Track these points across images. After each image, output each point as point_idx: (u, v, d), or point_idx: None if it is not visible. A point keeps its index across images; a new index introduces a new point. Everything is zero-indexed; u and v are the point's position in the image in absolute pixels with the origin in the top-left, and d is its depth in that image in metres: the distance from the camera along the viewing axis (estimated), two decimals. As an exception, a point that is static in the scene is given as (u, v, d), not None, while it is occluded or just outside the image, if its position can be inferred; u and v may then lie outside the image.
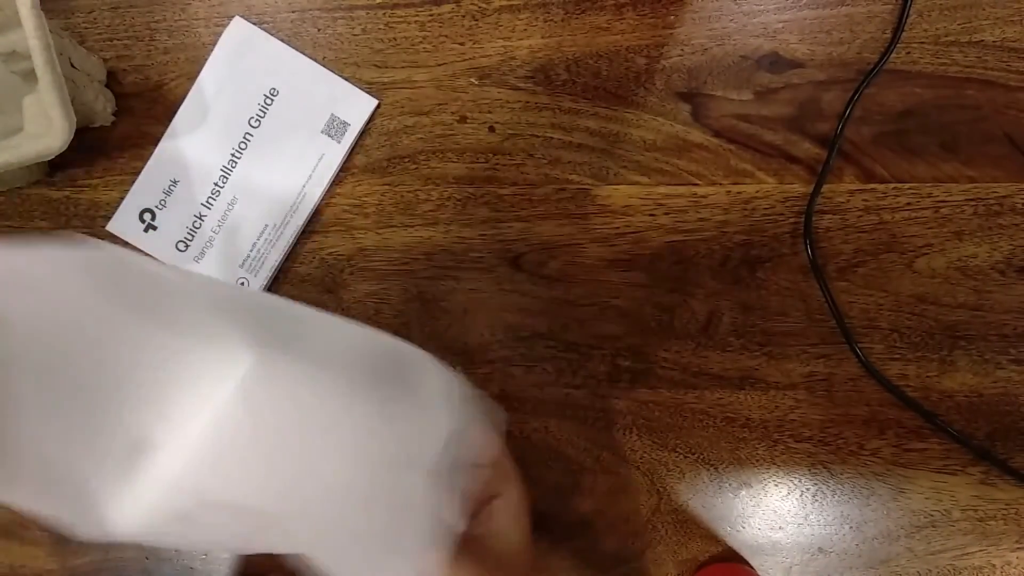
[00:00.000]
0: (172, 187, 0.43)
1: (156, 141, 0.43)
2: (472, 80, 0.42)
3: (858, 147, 0.41)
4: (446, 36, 0.42)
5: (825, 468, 0.42)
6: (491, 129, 0.42)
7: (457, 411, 0.26)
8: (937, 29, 0.40)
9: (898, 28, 0.40)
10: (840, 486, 0.42)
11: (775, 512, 0.42)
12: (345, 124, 0.42)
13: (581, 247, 0.42)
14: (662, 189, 0.42)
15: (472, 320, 0.43)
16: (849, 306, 0.41)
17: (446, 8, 0.42)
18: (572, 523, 0.43)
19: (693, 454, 0.42)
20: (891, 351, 0.41)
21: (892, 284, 0.41)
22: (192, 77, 0.42)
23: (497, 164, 0.42)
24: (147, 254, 0.43)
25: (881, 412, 0.41)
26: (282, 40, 0.42)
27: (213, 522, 0.22)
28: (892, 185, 0.41)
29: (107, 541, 0.22)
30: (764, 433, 0.42)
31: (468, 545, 0.26)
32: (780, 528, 0.42)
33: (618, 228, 0.42)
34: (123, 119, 0.43)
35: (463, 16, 0.42)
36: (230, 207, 0.43)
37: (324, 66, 0.42)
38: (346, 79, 0.42)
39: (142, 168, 0.43)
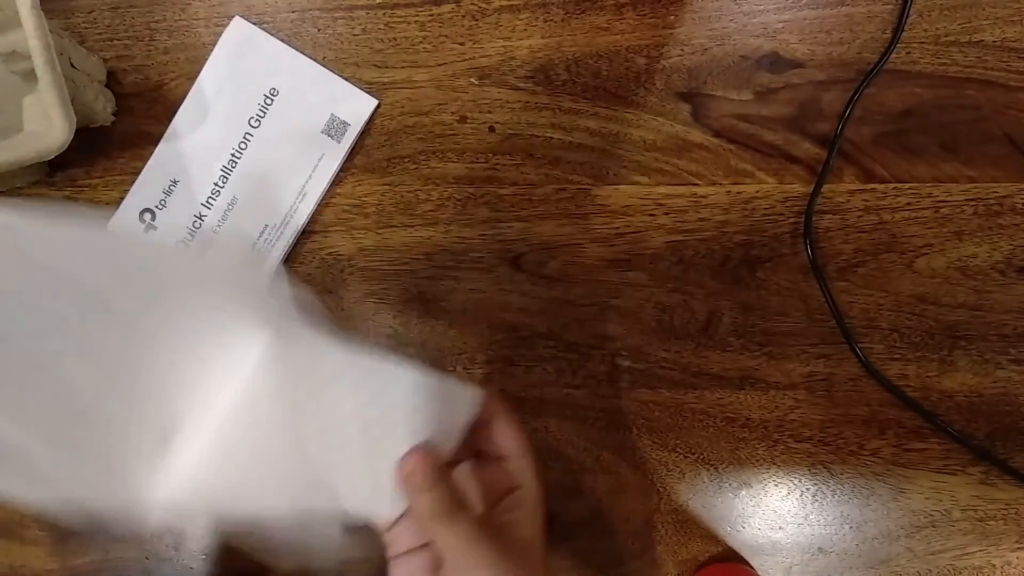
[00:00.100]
0: (172, 187, 0.43)
1: (156, 141, 0.43)
2: (472, 80, 0.42)
3: (858, 147, 0.41)
4: (446, 36, 0.42)
5: (825, 468, 0.42)
6: (491, 129, 0.42)
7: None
8: (937, 29, 0.40)
9: (898, 28, 0.40)
10: (840, 486, 0.42)
11: (775, 512, 0.42)
12: (345, 124, 0.42)
13: (581, 247, 0.42)
14: (662, 189, 0.42)
15: (472, 320, 0.43)
16: (849, 306, 0.41)
17: (446, 8, 0.42)
18: (572, 523, 0.43)
19: (693, 454, 0.42)
20: (891, 351, 0.41)
21: (892, 284, 0.41)
22: (192, 77, 0.42)
23: (497, 164, 0.42)
24: (147, 254, 0.43)
25: (881, 412, 0.41)
26: (282, 40, 0.42)
27: (239, 491, 0.24)
28: (892, 185, 0.41)
29: (140, 523, 0.23)
30: (764, 433, 0.42)
31: (487, 529, 0.28)
32: (780, 528, 0.42)
33: (618, 228, 0.42)
34: (123, 119, 0.43)
35: (463, 16, 0.42)
36: (230, 207, 0.43)
37: (324, 66, 0.42)
38: (346, 79, 0.42)
39: (142, 168, 0.43)
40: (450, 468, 0.30)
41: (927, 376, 0.41)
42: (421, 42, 0.42)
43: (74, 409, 0.22)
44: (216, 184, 0.43)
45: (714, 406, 0.42)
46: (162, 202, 0.43)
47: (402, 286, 0.43)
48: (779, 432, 0.42)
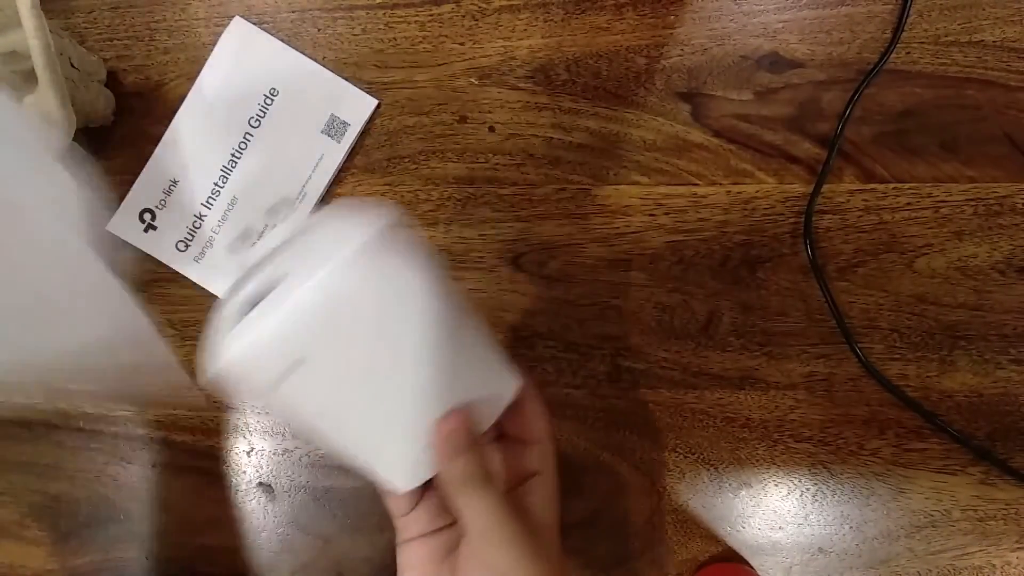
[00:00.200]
0: (172, 187, 0.43)
1: (156, 141, 0.43)
2: (472, 80, 0.42)
3: (858, 147, 0.41)
4: (446, 36, 0.42)
5: (825, 468, 0.42)
6: (491, 129, 0.42)
7: None
8: (937, 29, 0.40)
9: (898, 28, 0.40)
10: (840, 486, 0.42)
11: (775, 512, 0.42)
12: (345, 124, 0.42)
13: (581, 247, 0.42)
14: (662, 189, 0.42)
15: (472, 320, 0.43)
16: (849, 306, 0.41)
17: (446, 8, 0.42)
18: (572, 523, 0.43)
19: (693, 454, 0.42)
20: (891, 351, 0.41)
21: (892, 284, 0.41)
22: (192, 77, 0.42)
23: (497, 164, 0.42)
24: (147, 254, 0.43)
25: (881, 412, 0.41)
26: (282, 40, 0.42)
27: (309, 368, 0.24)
28: (892, 185, 0.41)
29: (219, 382, 0.24)
30: (764, 433, 0.42)
31: (514, 506, 0.27)
32: (780, 528, 0.42)
33: (618, 228, 0.42)
34: (123, 119, 0.43)
35: (463, 16, 0.42)
36: (230, 207, 0.43)
37: (324, 66, 0.42)
38: (346, 79, 0.42)
39: (142, 168, 0.43)
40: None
41: (927, 376, 0.41)
42: (421, 42, 0.42)
43: None
44: (216, 184, 0.43)
45: (714, 406, 0.42)
46: (162, 202, 0.43)
47: (402, 286, 0.43)
48: (779, 432, 0.42)
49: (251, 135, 0.42)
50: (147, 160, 0.43)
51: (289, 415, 0.26)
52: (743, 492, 0.42)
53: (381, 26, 0.42)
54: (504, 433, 0.31)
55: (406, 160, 0.43)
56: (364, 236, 0.24)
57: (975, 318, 0.41)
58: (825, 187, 0.41)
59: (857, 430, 0.41)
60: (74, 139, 0.38)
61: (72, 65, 0.40)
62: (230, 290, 0.26)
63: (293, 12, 0.42)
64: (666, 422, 0.42)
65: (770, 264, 0.41)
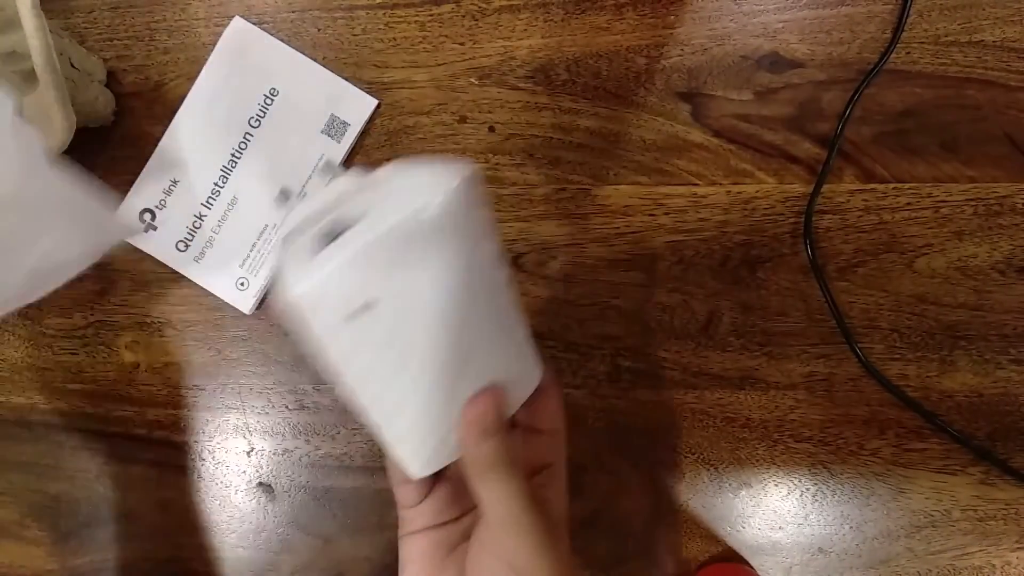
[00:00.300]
0: (172, 187, 0.43)
1: (156, 141, 0.43)
2: (472, 80, 0.42)
3: (858, 147, 0.41)
4: (446, 36, 0.42)
5: (825, 468, 0.42)
6: (491, 129, 0.42)
7: None
8: (937, 29, 0.40)
9: (898, 28, 0.40)
10: (840, 486, 0.42)
11: (775, 512, 0.42)
12: (345, 124, 0.42)
13: (581, 247, 0.42)
14: (662, 189, 0.42)
15: (472, 320, 0.42)
16: (849, 306, 0.41)
17: (446, 8, 0.42)
18: (572, 523, 0.43)
19: (693, 454, 0.42)
20: (891, 351, 0.41)
21: (892, 284, 0.41)
22: (192, 77, 0.42)
23: (497, 164, 0.42)
24: (147, 254, 0.43)
25: (881, 412, 0.41)
26: (282, 40, 0.42)
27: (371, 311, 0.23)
28: (892, 185, 0.41)
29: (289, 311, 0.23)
30: (764, 433, 0.42)
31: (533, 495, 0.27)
32: (780, 528, 0.42)
33: (618, 228, 0.42)
34: (123, 119, 0.43)
35: (463, 16, 0.42)
36: (230, 207, 0.43)
37: (324, 66, 0.42)
38: (346, 79, 0.42)
39: (142, 168, 0.43)
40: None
41: (927, 376, 0.41)
42: (421, 42, 0.42)
43: None
44: (216, 184, 0.43)
45: (714, 406, 0.42)
46: (162, 202, 0.43)
47: (402, 286, 0.43)
48: (779, 432, 0.42)
49: (251, 135, 0.42)
50: (147, 160, 0.43)
51: (337, 367, 0.25)
52: (743, 492, 0.42)
53: (381, 26, 0.42)
54: (515, 422, 0.30)
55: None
56: (453, 182, 0.23)
57: (975, 318, 0.41)
58: (825, 187, 0.41)
59: (857, 430, 0.41)
60: (74, 139, 0.38)
61: (72, 65, 0.40)
62: (294, 230, 0.25)
63: (293, 12, 0.42)
64: (666, 422, 0.42)
65: (770, 264, 0.41)
